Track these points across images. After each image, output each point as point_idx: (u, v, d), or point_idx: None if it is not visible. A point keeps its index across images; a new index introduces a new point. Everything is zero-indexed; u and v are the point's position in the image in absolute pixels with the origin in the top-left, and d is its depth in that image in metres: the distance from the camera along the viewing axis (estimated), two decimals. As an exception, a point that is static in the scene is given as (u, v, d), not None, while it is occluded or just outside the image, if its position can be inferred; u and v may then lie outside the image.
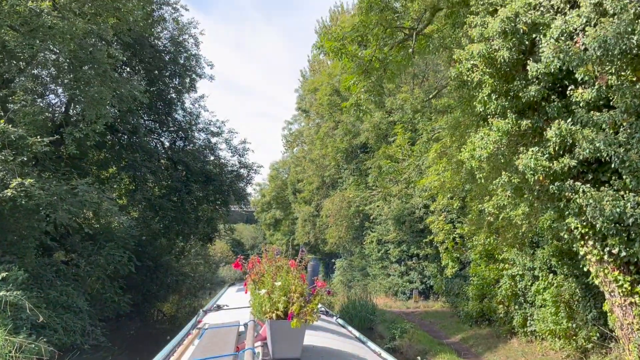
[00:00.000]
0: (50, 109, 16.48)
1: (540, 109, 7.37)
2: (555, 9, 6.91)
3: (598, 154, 6.35)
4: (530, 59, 7.01)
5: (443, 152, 12.63)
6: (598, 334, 9.73)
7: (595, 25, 6.08)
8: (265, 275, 3.44)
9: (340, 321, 5.98)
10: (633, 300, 6.80)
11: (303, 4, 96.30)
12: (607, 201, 6.18)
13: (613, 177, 6.62)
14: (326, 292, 3.50)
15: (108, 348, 13.59)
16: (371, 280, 25.06)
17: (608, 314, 7.74)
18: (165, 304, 23.67)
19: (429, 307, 20.53)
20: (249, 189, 28.49)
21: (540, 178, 6.98)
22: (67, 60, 13.59)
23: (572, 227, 7.17)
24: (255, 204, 41.33)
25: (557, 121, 6.77)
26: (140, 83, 15.87)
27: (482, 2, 7.76)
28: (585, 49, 6.18)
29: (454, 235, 16.43)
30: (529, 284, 12.10)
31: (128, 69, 19.60)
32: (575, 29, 6.45)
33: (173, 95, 21.70)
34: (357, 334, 5.18)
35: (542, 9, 6.96)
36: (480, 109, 7.86)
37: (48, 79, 15.32)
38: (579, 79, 6.40)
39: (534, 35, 7.00)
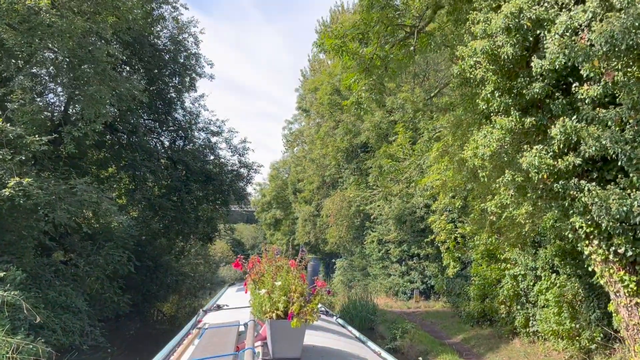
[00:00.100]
0: (49, 108, 16.42)
1: (544, 106, 7.27)
2: (560, 5, 6.81)
3: (604, 152, 6.25)
4: (534, 55, 6.91)
5: (445, 151, 12.53)
6: (602, 335, 9.63)
7: (601, 20, 5.98)
8: (265, 275, 3.44)
9: (340, 321, 6.00)
10: (639, 300, 6.70)
11: (304, 4, 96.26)
12: (613, 200, 6.08)
13: (619, 176, 6.52)
14: (326, 291, 3.50)
15: (107, 348, 13.50)
16: (372, 280, 24.97)
17: (613, 315, 7.64)
18: (165, 304, 23.60)
19: (429, 307, 20.44)
20: (249, 189, 28.47)
21: (545, 176, 6.87)
22: (66, 59, 13.51)
23: (577, 226, 7.07)
24: (256, 203, 41.25)
25: (561, 119, 6.66)
26: (139, 82, 15.77)
27: (485, -2, 7.67)
28: (591, 45, 6.07)
29: (455, 234, 16.33)
30: (531, 284, 12.00)
31: (127, 68, 19.51)
32: (581, 25, 6.35)
33: (173, 94, 21.61)
34: (357, 333, 5.20)
35: (546, 4, 6.86)
36: (483, 107, 7.75)
37: (47, 77, 15.25)
38: (585, 75, 6.30)
39: (538, 32, 6.89)
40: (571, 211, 7.03)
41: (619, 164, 6.23)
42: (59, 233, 14.91)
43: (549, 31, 6.68)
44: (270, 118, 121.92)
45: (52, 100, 16.93)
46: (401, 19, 11.13)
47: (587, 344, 9.85)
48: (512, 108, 7.33)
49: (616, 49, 5.67)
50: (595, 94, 6.28)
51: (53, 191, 11.88)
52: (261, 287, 3.35)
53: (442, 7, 10.60)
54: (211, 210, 23.57)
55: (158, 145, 22.85)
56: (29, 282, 12.01)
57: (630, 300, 6.77)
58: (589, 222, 6.81)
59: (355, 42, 11.05)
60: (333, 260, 32.81)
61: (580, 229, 7.05)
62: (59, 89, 15.88)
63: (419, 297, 21.54)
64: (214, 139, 23.53)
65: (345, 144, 27.38)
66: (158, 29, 20.13)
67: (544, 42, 6.78)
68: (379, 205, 23.66)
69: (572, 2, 6.59)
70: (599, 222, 6.47)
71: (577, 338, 10.15)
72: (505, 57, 6.95)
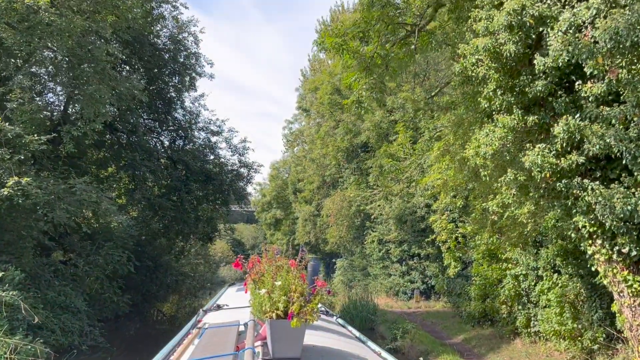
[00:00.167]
0: (49, 108, 16.37)
1: (547, 104, 7.20)
2: (563, 2, 6.75)
3: (608, 150, 6.18)
4: (537, 53, 6.85)
5: (446, 150, 12.47)
6: (604, 335, 9.56)
7: (605, 17, 5.92)
8: (265, 274, 3.44)
9: (340, 321, 6.01)
10: (643, 300, 6.64)
11: (304, 4, 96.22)
12: (617, 199, 6.01)
13: (623, 174, 6.46)
14: (326, 291, 3.51)
15: (106, 349, 13.44)
16: (372, 280, 24.92)
17: (617, 315, 7.57)
18: (165, 304, 23.54)
19: (430, 307, 20.38)
20: (249, 189, 28.42)
21: (547, 175, 6.81)
22: (66, 58, 13.46)
23: (580, 226, 7.01)
24: (256, 203, 41.21)
25: (564, 117, 6.60)
26: (139, 81, 15.73)
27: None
28: (595, 42, 6.01)
29: (456, 234, 16.28)
30: (533, 283, 11.94)
31: (127, 67, 19.45)
32: (584, 22, 6.28)
33: (173, 93, 21.56)
34: (357, 333, 5.21)
35: (549, 1, 6.80)
36: (485, 105, 7.69)
37: (46, 77, 15.19)
38: (588, 73, 6.24)
39: (540, 29, 6.83)
40: (574, 210, 6.96)
41: (624, 162, 6.17)
42: (58, 233, 14.86)
43: (552, 28, 6.61)
44: (271, 118, 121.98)
45: (51, 100, 16.91)
46: (402, 18, 11.07)
47: (590, 345, 9.80)
48: (514, 106, 7.27)
49: (620, 46, 5.61)
50: (599, 92, 6.22)
51: (52, 191, 11.82)
52: (261, 287, 3.35)
53: (444, 5, 10.54)
54: (211, 210, 23.52)
55: (158, 144, 22.81)
56: (28, 282, 11.95)
57: (634, 301, 6.70)
58: (593, 222, 6.75)
59: (355, 41, 10.99)
60: (333, 260, 32.76)
61: (584, 229, 6.99)
62: (59, 88, 15.83)
63: (420, 297, 21.48)
64: (214, 139, 23.51)
65: (346, 143, 27.33)
66: (158, 28, 20.08)
67: (547, 39, 6.71)
68: (379, 205, 23.60)
69: (575, -1, 6.53)
70: (603, 221, 6.41)
71: (579, 338, 10.09)
72: (508, 54, 6.89)
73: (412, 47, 11.10)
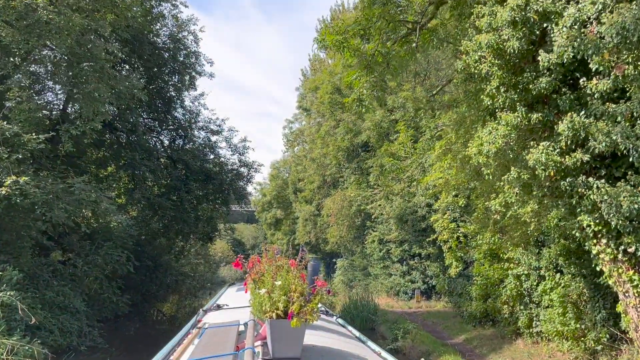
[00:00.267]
0: (48, 106, 16.26)
1: (551, 101, 7.11)
2: (568, -3, 6.65)
3: (614, 148, 6.09)
4: (541, 49, 6.75)
5: (447, 149, 12.37)
6: (608, 336, 9.47)
7: (611, 11, 5.82)
8: (266, 274, 3.43)
9: (341, 321, 6.02)
10: (649, 300, 6.54)
11: (304, 4, 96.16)
12: (624, 197, 5.91)
13: (629, 172, 6.36)
14: (326, 291, 3.51)
15: (105, 349, 13.36)
16: (372, 280, 24.84)
17: (622, 315, 7.47)
18: (164, 304, 23.46)
19: (431, 307, 20.29)
20: (250, 188, 28.34)
21: (551, 174, 6.71)
22: (64, 57, 13.36)
23: (584, 225, 6.91)
24: (256, 203, 41.15)
25: (569, 114, 6.50)
26: (139, 80, 15.64)
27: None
28: (601, 37, 5.91)
29: (457, 234, 16.18)
30: (535, 283, 11.85)
31: (127, 66, 19.35)
32: (589, 17, 6.18)
33: (172, 93, 21.46)
34: (357, 333, 5.22)
35: (553, -3, 6.70)
36: (488, 103, 7.59)
37: (45, 75, 15.10)
38: (594, 69, 6.14)
39: (545, 25, 6.74)
40: (579, 209, 6.87)
41: (630, 160, 6.07)
42: (57, 232, 14.74)
43: (557, 24, 6.52)
44: (271, 118, 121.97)
45: (50, 99, 16.80)
46: (403, 15, 10.99)
47: (593, 345, 9.70)
48: (517, 104, 7.18)
49: (627, 41, 5.51)
50: (604, 88, 6.12)
51: (51, 190, 11.72)
52: (261, 287, 3.34)
53: (445, 3, 10.45)
54: (211, 210, 23.44)
55: (157, 144, 22.71)
56: (26, 282, 11.86)
57: (640, 301, 6.61)
58: (598, 220, 6.65)
59: (356, 39, 10.90)
60: (334, 260, 32.68)
61: (588, 228, 6.89)
62: (57, 87, 15.74)
63: (421, 297, 21.39)
64: (213, 138, 23.42)
65: (346, 143, 27.25)
66: (157, 26, 19.97)
67: (551, 35, 6.62)
68: (380, 205, 23.52)
69: (581, -7, 6.43)
70: (608, 220, 6.31)
71: (582, 339, 9.99)
72: (511, 51, 6.80)
73: (414, 45, 11.00)
